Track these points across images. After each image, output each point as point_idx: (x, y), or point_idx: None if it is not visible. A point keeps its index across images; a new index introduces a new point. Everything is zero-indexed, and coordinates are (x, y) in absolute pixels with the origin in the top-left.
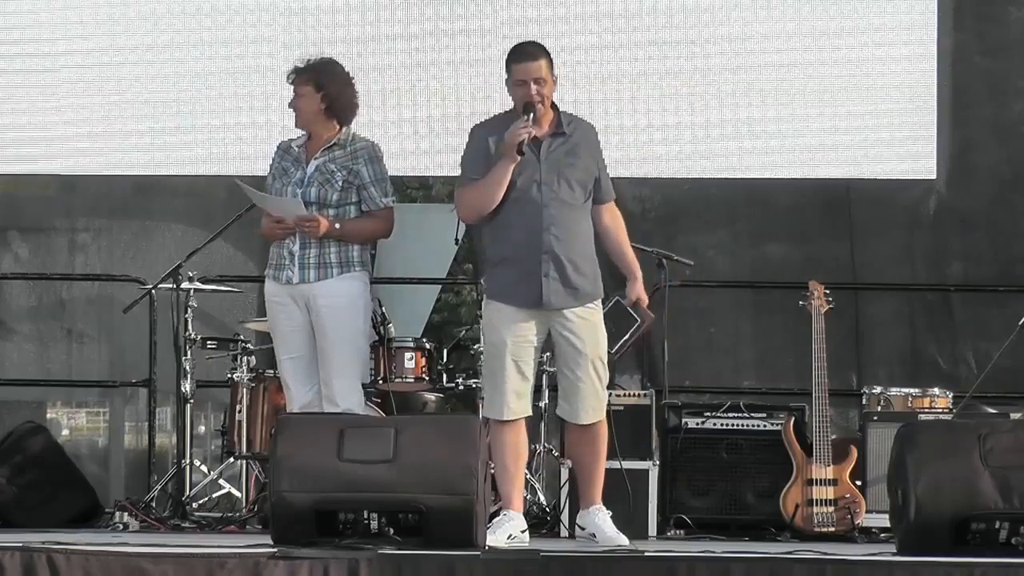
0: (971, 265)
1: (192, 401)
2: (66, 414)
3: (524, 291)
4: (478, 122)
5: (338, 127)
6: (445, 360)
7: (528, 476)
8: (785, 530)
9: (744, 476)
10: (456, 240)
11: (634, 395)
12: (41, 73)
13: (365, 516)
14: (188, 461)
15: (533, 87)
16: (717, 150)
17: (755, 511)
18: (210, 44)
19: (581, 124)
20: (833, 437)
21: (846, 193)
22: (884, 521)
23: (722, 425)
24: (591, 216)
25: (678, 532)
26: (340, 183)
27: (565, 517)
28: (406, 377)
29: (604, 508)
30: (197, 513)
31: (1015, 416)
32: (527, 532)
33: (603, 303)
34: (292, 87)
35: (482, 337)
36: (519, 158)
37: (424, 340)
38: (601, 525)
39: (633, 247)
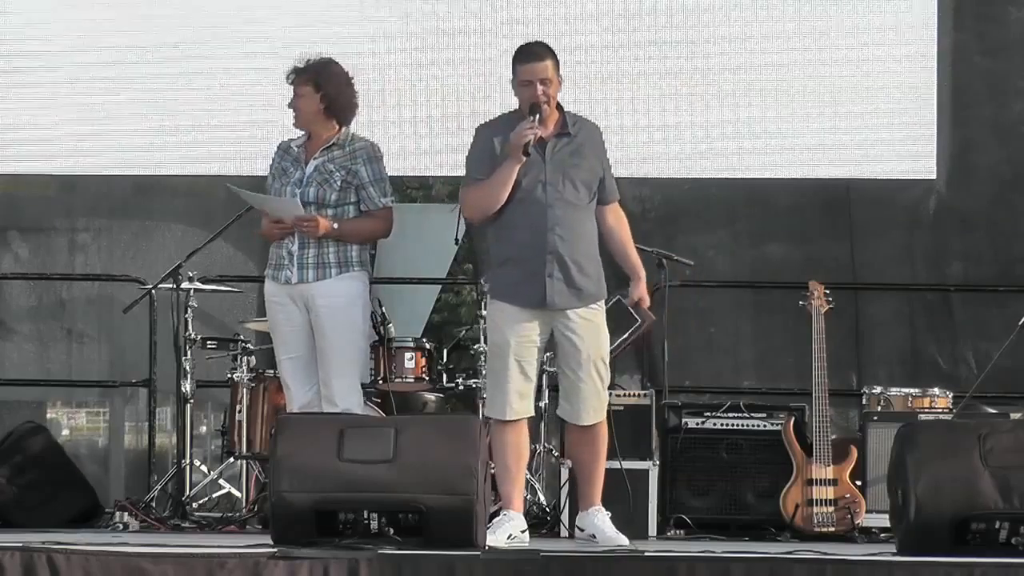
0: (971, 265)
1: (192, 401)
2: (66, 414)
3: (528, 291)
4: (482, 122)
5: (337, 127)
6: (445, 360)
7: (528, 476)
8: (785, 530)
9: (744, 476)
10: (456, 240)
11: (634, 395)
12: (41, 73)
13: (365, 516)
14: (188, 461)
15: (539, 88)
16: (717, 150)
17: (755, 511)
18: (210, 44)
19: (586, 124)
20: (833, 437)
21: (846, 193)
22: (884, 521)
23: (722, 425)
24: (595, 216)
25: (678, 532)
26: (338, 183)
27: (565, 517)
28: (406, 377)
29: (603, 509)
30: (197, 513)
31: (1015, 416)
32: (527, 532)
33: (605, 303)
34: (291, 87)
35: (482, 336)
36: (524, 159)
37: (424, 340)
38: (601, 526)
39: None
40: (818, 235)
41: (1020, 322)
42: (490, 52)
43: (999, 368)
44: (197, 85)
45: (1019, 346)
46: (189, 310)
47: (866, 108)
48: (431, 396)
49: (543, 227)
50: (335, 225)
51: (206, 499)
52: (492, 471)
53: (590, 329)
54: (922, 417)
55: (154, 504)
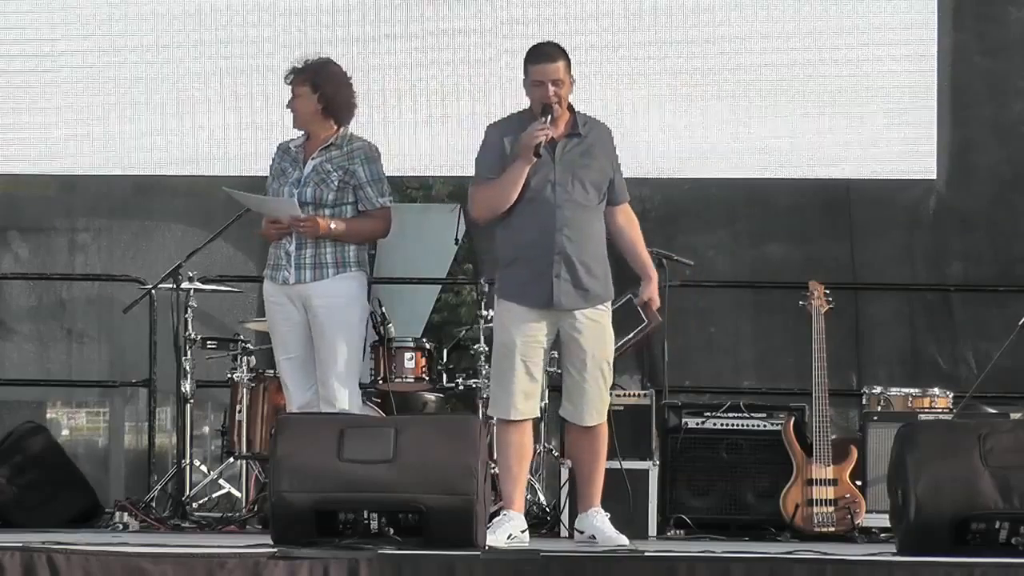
0: (971, 265)
1: (192, 401)
2: (66, 414)
3: (535, 291)
4: (492, 121)
5: (335, 127)
6: (445, 360)
7: (528, 476)
8: (785, 530)
9: (744, 476)
10: (456, 240)
11: (634, 395)
12: (41, 73)
13: (365, 516)
14: (188, 461)
15: (550, 88)
16: (717, 150)
17: (755, 511)
18: (210, 44)
19: (597, 125)
20: (833, 437)
21: (846, 193)
22: (884, 521)
23: (722, 425)
24: (605, 217)
25: (678, 532)
26: (336, 183)
27: (565, 517)
28: (406, 377)
29: (603, 510)
30: (197, 513)
31: (1015, 416)
32: (527, 532)
33: (616, 300)
34: (290, 87)
35: (481, 336)
36: (535, 160)
37: (424, 340)
38: (600, 526)
39: None
40: (818, 235)
41: (1020, 322)
42: (490, 52)
43: (999, 368)
44: (197, 85)
45: (1019, 346)
46: (189, 310)
47: (866, 108)
48: (431, 396)
49: (551, 227)
50: (333, 225)
51: (206, 499)
52: (493, 471)
53: (596, 330)
54: (922, 417)
55: (154, 504)
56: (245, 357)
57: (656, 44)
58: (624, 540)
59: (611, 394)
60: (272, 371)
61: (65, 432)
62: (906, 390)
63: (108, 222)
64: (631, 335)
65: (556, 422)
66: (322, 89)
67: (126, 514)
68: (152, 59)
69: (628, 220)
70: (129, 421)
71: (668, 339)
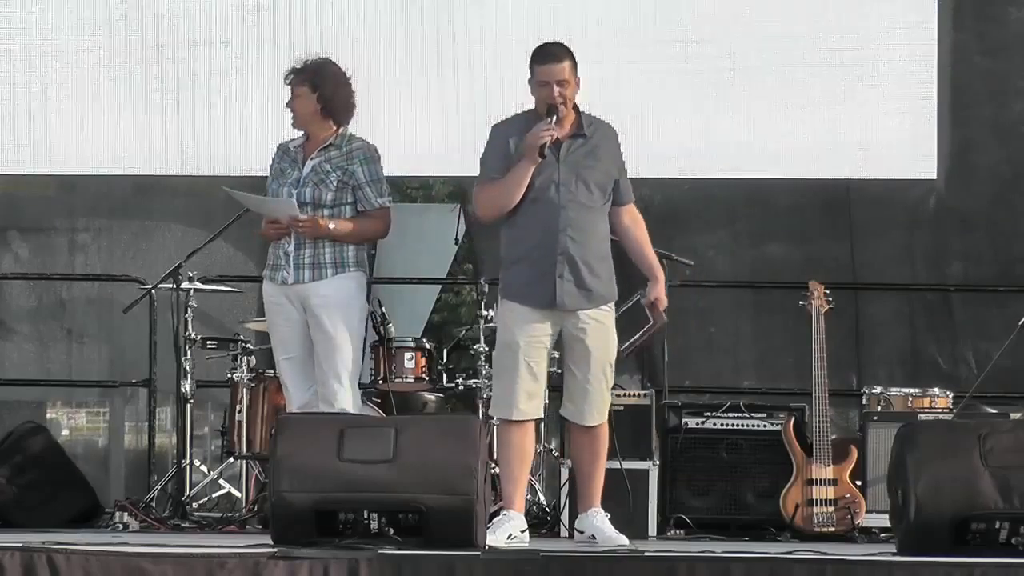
0: (971, 265)
1: (192, 401)
2: (66, 414)
3: (538, 291)
4: (497, 121)
5: (335, 127)
6: (445, 360)
7: (528, 476)
8: (785, 530)
9: (744, 476)
10: (456, 240)
11: (634, 395)
12: (41, 73)
13: (365, 516)
14: (188, 461)
15: (556, 89)
16: (717, 150)
17: (755, 511)
18: (209, 44)
19: (602, 126)
20: (833, 437)
21: (846, 193)
22: (884, 521)
23: (722, 425)
24: (611, 218)
25: (678, 532)
26: (335, 183)
27: (565, 517)
28: (406, 377)
29: (603, 511)
30: (197, 513)
31: (1015, 416)
32: (527, 532)
33: (625, 300)
34: (289, 87)
35: (481, 336)
36: (540, 160)
37: (424, 340)
38: (600, 526)
39: None
40: (818, 235)
41: (1020, 322)
42: (490, 52)
43: (999, 368)
44: (197, 85)
45: (1019, 346)
46: (189, 310)
47: (866, 108)
48: (431, 396)
49: (555, 228)
50: (332, 225)
51: (206, 499)
52: (493, 471)
53: (600, 331)
54: (922, 417)
55: (154, 504)
56: (245, 357)
57: (656, 44)
58: (624, 540)
59: (611, 394)
60: (272, 371)
61: (65, 432)
62: (906, 390)
63: (108, 222)
64: (637, 336)
65: (556, 422)
66: (321, 89)
67: (126, 514)
68: (152, 59)
69: (634, 220)
70: (129, 421)
71: (668, 339)
